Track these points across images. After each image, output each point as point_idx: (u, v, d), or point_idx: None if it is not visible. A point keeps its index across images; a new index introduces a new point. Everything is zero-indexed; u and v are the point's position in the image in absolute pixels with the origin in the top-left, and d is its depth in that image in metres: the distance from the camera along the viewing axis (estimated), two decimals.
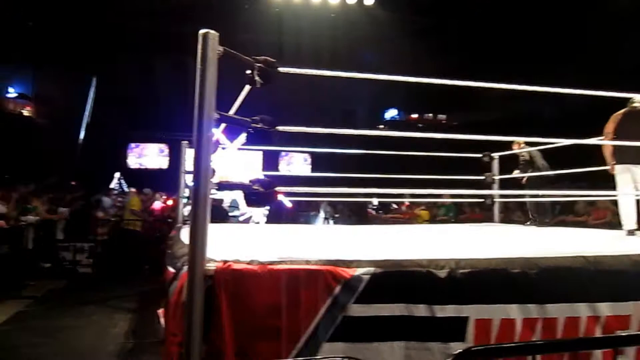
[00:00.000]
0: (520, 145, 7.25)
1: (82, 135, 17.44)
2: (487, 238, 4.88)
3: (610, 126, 5.27)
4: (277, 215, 10.47)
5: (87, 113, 17.62)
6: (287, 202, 10.09)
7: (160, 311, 3.99)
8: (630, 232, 5.02)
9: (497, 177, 6.65)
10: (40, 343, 5.57)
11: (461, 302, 2.63)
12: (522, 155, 7.35)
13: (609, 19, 12.84)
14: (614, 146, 5.16)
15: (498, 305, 2.67)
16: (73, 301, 7.80)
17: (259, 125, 2.75)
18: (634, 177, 5.13)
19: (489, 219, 7.17)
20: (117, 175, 14.57)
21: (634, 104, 5.18)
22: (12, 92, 18.10)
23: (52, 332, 5.99)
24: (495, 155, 6.72)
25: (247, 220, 9.52)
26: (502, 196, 6.99)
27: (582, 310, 2.77)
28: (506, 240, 4.63)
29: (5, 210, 8.91)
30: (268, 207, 10.13)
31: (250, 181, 2.71)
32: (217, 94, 2.46)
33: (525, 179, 7.28)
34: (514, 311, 2.69)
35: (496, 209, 6.89)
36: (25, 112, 17.95)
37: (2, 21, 14.32)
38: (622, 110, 5.25)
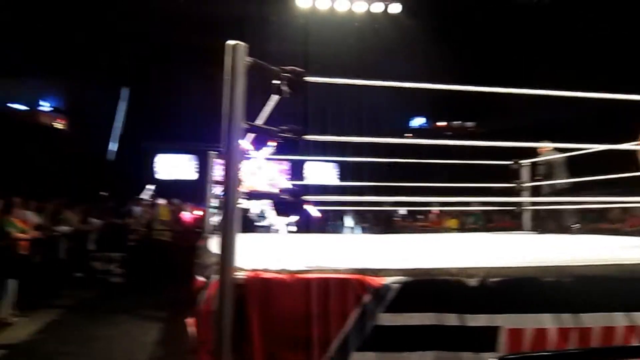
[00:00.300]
0: (545, 150, 7.08)
1: (113, 146, 17.75)
2: (518, 246, 4.80)
3: None
4: (306, 225, 10.46)
5: (119, 125, 17.94)
6: (314, 211, 10.09)
7: (190, 320, 4.02)
8: None
9: (526, 185, 6.55)
10: (73, 352, 5.68)
11: (493, 312, 2.58)
12: (542, 165, 7.17)
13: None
14: None
15: (531, 315, 2.62)
16: (105, 310, 7.94)
17: (287, 135, 2.77)
18: None
19: (518, 227, 7.04)
20: (150, 187, 14.73)
21: None
22: (45, 106, 18.59)
23: (85, 341, 6.10)
24: (525, 162, 6.62)
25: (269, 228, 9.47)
26: (532, 204, 6.86)
27: (618, 319, 2.70)
28: (538, 248, 4.54)
29: (40, 221, 9.12)
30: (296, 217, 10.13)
31: (280, 190, 2.72)
32: (246, 104, 2.49)
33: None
34: (548, 320, 2.62)
35: (526, 217, 6.77)
36: (59, 125, 18.40)
37: (35, 34, 14.72)
38: None
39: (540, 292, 2.67)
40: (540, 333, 2.61)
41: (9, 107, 17.70)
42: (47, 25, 15.05)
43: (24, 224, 8.38)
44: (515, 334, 2.59)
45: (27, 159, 14.14)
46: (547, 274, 2.71)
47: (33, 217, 9.06)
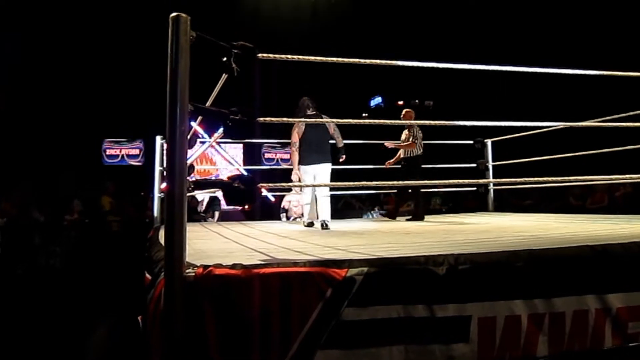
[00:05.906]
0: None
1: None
2: (485, 229, 4.71)
3: None
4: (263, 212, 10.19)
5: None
6: (270, 196, 9.82)
7: (141, 318, 3.76)
8: None
9: (490, 164, 6.47)
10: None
11: (463, 301, 2.45)
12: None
13: None
14: None
15: (502, 302, 2.50)
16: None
17: (237, 117, 2.53)
18: None
19: (483, 207, 6.97)
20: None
21: None
22: None
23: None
24: (488, 141, 6.51)
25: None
26: (496, 183, 6.79)
27: (591, 302, 2.61)
28: (505, 231, 4.44)
29: None
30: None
31: (229, 178, 2.49)
32: (196, 89, 2.25)
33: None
34: (519, 307, 2.51)
35: (490, 197, 6.72)
36: None
37: None
38: None
39: (511, 278, 2.55)
40: (513, 320, 2.50)
41: None
42: None
43: None
44: (487, 323, 2.47)
45: None
46: (518, 258, 2.59)
47: None
